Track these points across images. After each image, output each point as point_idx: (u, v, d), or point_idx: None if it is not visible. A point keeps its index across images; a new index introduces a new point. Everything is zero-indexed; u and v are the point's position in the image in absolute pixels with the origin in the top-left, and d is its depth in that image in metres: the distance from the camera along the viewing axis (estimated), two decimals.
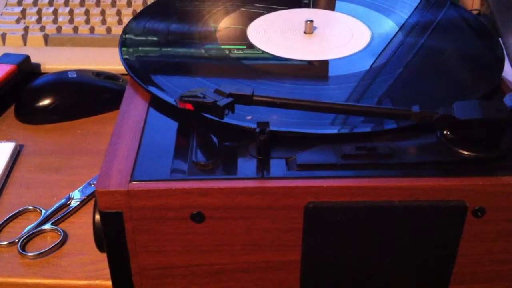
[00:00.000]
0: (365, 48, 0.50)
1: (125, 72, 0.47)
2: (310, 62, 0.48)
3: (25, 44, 0.68)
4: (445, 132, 0.38)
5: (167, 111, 0.42)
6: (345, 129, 0.40)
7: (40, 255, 0.45)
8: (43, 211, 0.48)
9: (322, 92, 0.44)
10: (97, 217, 0.37)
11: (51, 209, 0.49)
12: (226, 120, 0.39)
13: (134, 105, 0.42)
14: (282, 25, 0.53)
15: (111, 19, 0.71)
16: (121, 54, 0.48)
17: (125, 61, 0.47)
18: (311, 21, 0.52)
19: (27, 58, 0.63)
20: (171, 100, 0.42)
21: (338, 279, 0.39)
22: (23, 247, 0.46)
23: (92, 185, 0.51)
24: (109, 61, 0.65)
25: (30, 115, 0.60)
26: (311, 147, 0.38)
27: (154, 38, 0.51)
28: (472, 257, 0.38)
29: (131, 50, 0.49)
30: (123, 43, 0.50)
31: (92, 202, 0.49)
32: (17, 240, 0.46)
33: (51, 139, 0.57)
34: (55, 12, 0.72)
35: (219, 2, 0.57)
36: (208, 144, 0.39)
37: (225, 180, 0.35)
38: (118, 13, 0.72)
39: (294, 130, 0.39)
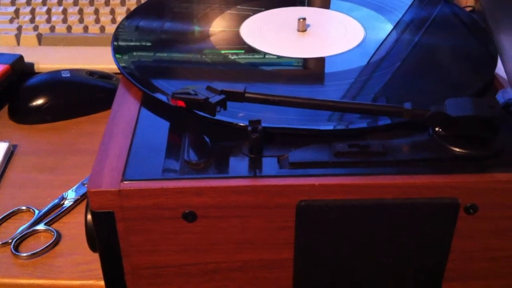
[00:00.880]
0: (358, 46, 0.50)
1: (119, 71, 0.47)
2: (304, 63, 0.48)
3: (18, 43, 0.68)
4: (437, 129, 0.38)
5: (159, 110, 0.41)
6: (340, 125, 0.40)
7: (33, 255, 0.45)
8: (37, 211, 0.48)
9: (314, 89, 0.44)
10: (89, 217, 0.37)
11: (45, 209, 0.49)
12: (218, 117, 0.39)
13: (126, 104, 0.42)
14: (275, 24, 0.53)
15: (105, 18, 0.70)
16: (114, 53, 0.48)
17: (118, 60, 0.47)
18: (304, 19, 0.52)
19: (21, 58, 0.63)
20: (163, 99, 0.41)
21: (331, 277, 0.39)
22: (16, 248, 0.45)
23: (86, 185, 0.51)
24: (102, 60, 0.65)
25: (23, 115, 0.59)
26: (303, 145, 0.38)
27: (147, 37, 0.51)
28: (465, 254, 0.38)
29: (123, 48, 0.49)
30: (116, 42, 0.50)
31: (85, 202, 0.49)
32: (10, 241, 0.46)
33: (45, 139, 0.57)
34: (48, 12, 0.71)
35: (213, 1, 0.57)
36: (200, 143, 0.38)
37: (218, 179, 0.35)
38: (112, 12, 0.71)
39: (286, 126, 0.39)
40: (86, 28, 0.69)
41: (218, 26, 0.53)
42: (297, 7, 0.57)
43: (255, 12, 0.55)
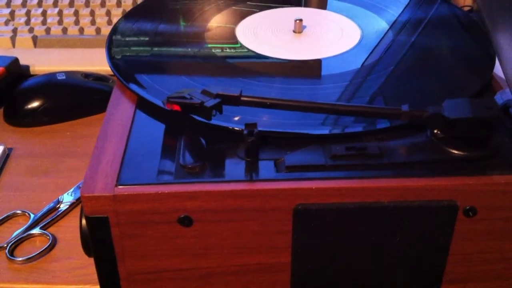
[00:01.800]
0: (355, 47, 0.49)
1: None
2: (300, 65, 0.47)
3: (14, 46, 0.68)
4: (435, 131, 0.38)
5: (154, 113, 0.41)
6: (336, 129, 0.39)
7: (28, 260, 0.44)
8: (32, 215, 0.48)
9: (310, 91, 0.44)
10: (83, 222, 0.36)
11: (40, 213, 0.48)
12: (214, 121, 0.38)
13: (121, 107, 0.42)
14: (271, 24, 0.53)
15: (101, 20, 0.70)
16: (108, 55, 0.48)
17: (112, 63, 0.47)
18: (300, 20, 0.51)
19: (16, 60, 0.63)
20: (159, 102, 0.41)
21: (329, 280, 0.38)
22: (11, 252, 0.45)
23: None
24: (98, 62, 0.64)
25: (19, 118, 0.59)
26: (300, 148, 0.37)
27: (142, 39, 0.51)
28: (464, 256, 0.38)
29: (118, 51, 0.48)
30: (111, 44, 0.49)
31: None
32: (5, 245, 0.45)
33: (41, 142, 0.57)
34: (44, 13, 0.71)
35: (208, 1, 0.57)
36: (195, 147, 0.38)
37: (213, 183, 0.35)
38: (108, 13, 0.71)
39: (282, 130, 0.39)
40: (82, 30, 0.69)
41: (214, 27, 0.52)
42: (294, 8, 0.56)
43: (251, 12, 0.55)
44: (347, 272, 0.38)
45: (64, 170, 0.53)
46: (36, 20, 0.70)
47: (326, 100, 0.40)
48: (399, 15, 0.54)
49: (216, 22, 0.53)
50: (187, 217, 0.35)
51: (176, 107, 0.38)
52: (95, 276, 0.38)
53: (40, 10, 0.71)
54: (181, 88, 0.39)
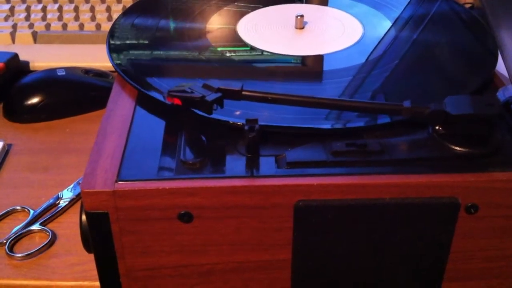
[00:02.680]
0: (356, 43, 0.49)
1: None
2: (301, 60, 0.47)
3: (13, 41, 0.67)
4: (436, 127, 0.37)
5: (155, 109, 0.41)
6: (338, 124, 0.39)
7: (28, 256, 0.44)
8: (32, 211, 0.48)
9: (312, 87, 0.43)
10: (83, 217, 0.36)
11: (40, 209, 0.48)
12: (214, 115, 0.38)
13: (121, 103, 0.42)
14: (272, 21, 0.53)
15: (101, 16, 0.70)
16: (109, 50, 0.47)
17: (113, 58, 0.46)
18: (302, 16, 0.51)
19: (16, 56, 0.63)
20: (159, 97, 0.41)
21: (330, 277, 0.38)
22: (11, 248, 0.45)
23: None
24: (98, 58, 0.64)
25: (18, 114, 0.59)
26: (301, 144, 0.37)
27: (143, 35, 0.50)
28: (465, 254, 0.38)
29: (119, 46, 0.48)
30: (111, 40, 0.49)
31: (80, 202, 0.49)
32: (5, 241, 0.45)
33: (40, 138, 0.57)
34: (44, 9, 0.71)
35: None
36: (196, 142, 0.38)
37: (214, 179, 0.35)
38: (108, 9, 0.71)
39: (283, 125, 0.38)
40: (82, 26, 0.69)
41: (214, 23, 0.52)
42: (295, 4, 0.56)
43: (253, 9, 0.54)
44: (348, 269, 0.38)
45: (63, 166, 0.53)
46: (36, 16, 0.70)
47: (327, 96, 0.40)
48: (401, 12, 0.54)
49: (217, 19, 0.53)
50: (187, 213, 0.35)
51: (177, 101, 0.38)
52: (95, 272, 0.38)
53: (40, 6, 0.71)
54: (181, 83, 0.39)
